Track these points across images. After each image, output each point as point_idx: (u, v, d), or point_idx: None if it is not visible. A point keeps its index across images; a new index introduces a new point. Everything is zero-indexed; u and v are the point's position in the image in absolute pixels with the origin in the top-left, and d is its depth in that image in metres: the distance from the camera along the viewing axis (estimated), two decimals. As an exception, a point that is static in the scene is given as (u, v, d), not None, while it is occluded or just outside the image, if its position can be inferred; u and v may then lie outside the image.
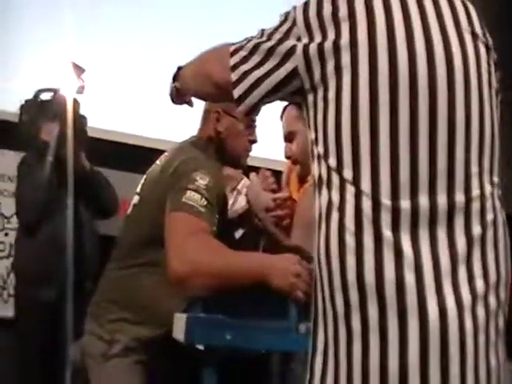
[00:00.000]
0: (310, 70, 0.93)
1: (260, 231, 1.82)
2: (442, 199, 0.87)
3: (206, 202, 1.39)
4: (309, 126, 0.98)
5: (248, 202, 1.78)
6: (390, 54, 0.88)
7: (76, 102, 2.28)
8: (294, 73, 0.95)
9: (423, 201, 0.87)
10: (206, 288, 1.33)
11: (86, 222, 2.38)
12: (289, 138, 1.79)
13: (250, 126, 1.69)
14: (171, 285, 1.35)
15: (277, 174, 1.89)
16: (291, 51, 0.95)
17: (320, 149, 0.93)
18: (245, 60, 1.00)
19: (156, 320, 1.47)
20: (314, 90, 0.94)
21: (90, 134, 2.40)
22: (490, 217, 0.90)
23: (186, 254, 1.33)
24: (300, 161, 1.75)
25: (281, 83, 0.97)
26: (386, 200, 0.86)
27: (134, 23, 3.20)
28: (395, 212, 0.86)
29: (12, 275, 2.58)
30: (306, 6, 0.96)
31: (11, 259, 2.62)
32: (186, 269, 1.31)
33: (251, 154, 1.74)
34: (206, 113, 1.69)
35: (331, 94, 0.91)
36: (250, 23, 3.52)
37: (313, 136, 0.96)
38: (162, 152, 1.66)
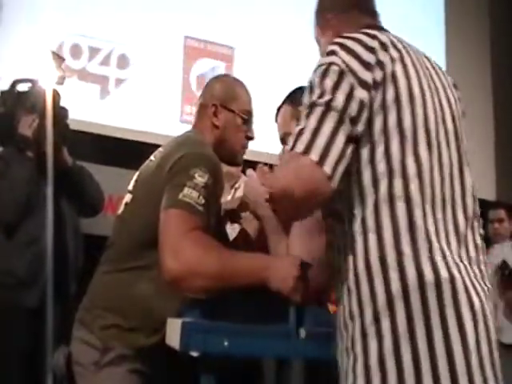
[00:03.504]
0: None
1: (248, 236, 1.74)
2: None
3: (203, 201, 1.32)
4: None
5: (244, 195, 1.70)
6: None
7: (56, 94, 2.14)
8: None
9: None
10: (202, 289, 1.26)
11: (69, 220, 2.25)
12: (286, 139, 1.67)
13: (248, 121, 1.61)
14: (166, 286, 1.28)
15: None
16: None
17: None
18: None
19: (152, 326, 1.38)
20: None
21: (72, 126, 2.29)
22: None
23: (181, 253, 1.25)
24: None
25: None
26: None
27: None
28: None
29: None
30: None
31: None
32: (182, 269, 1.24)
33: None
34: (202, 107, 1.60)
35: None
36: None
37: None
38: (148, 145, 1.58)
